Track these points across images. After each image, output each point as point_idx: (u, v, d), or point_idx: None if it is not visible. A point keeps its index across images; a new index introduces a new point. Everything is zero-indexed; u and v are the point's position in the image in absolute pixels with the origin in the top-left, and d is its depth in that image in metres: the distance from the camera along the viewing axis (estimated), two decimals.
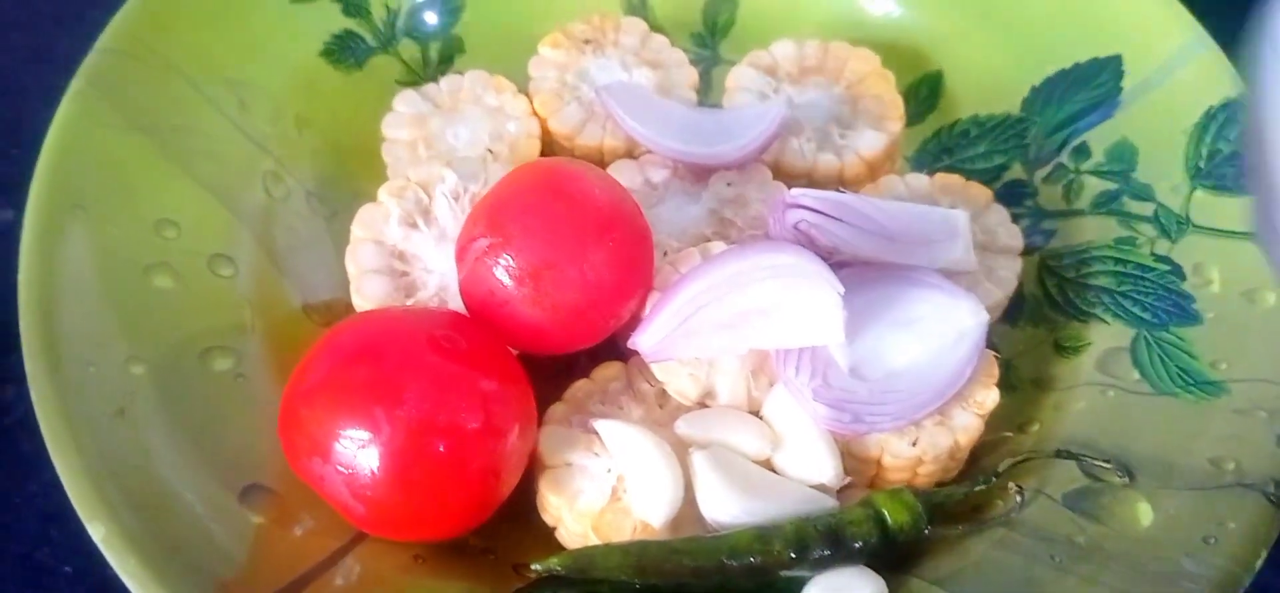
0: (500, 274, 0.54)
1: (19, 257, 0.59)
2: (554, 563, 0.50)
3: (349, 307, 0.61)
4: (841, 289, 0.52)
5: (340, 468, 0.50)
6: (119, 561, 0.49)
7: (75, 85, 0.64)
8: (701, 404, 0.56)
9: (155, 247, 0.61)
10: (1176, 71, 0.67)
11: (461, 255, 0.55)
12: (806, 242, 0.56)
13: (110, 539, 0.49)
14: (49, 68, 0.72)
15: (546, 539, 0.55)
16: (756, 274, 0.53)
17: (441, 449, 0.51)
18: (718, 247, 0.57)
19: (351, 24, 0.73)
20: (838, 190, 0.64)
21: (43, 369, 0.53)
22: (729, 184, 0.63)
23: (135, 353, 0.56)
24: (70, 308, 0.57)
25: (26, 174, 0.62)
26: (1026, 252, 0.64)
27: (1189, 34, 0.67)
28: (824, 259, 0.55)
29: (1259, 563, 0.50)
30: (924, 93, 0.71)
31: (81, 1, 0.80)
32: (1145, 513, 0.53)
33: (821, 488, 0.53)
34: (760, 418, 0.56)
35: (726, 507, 0.52)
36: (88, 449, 0.52)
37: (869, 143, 0.65)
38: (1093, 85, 0.69)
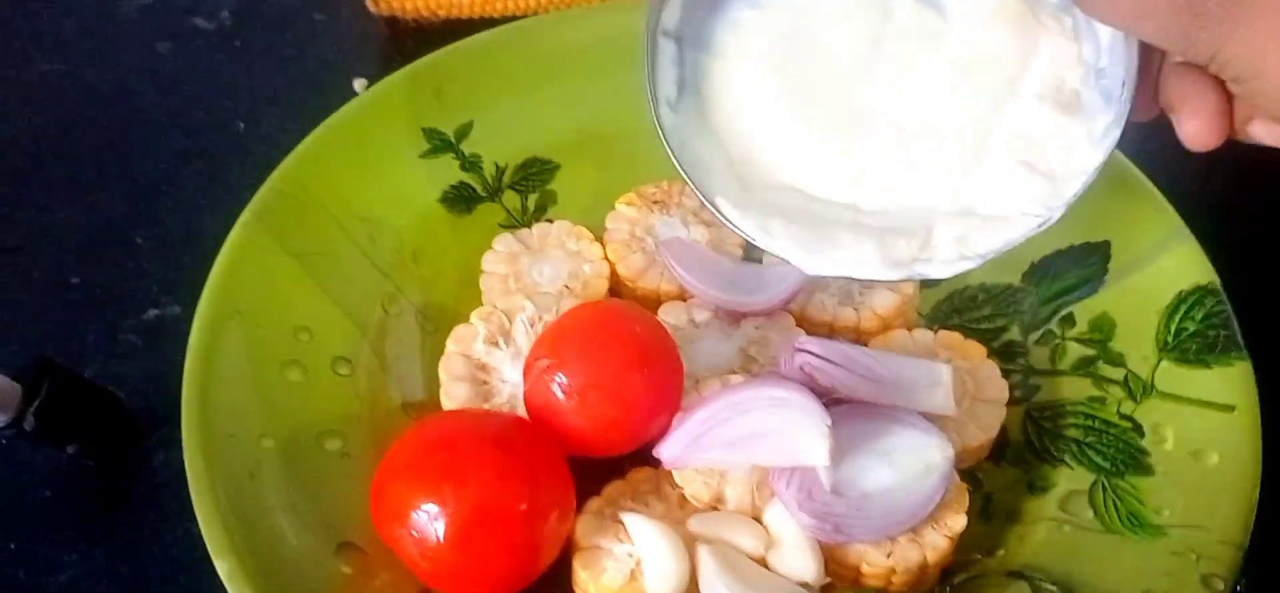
0: (555, 389, 0.64)
1: (185, 347, 0.68)
2: None
3: (439, 408, 0.70)
4: (829, 421, 0.61)
5: (414, 533, 0.59)
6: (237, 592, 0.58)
7: (245, 216, 0.73)
8: (713, 507, 0.64)
9: (292, 347, 0.71)
10: (1157, 258, 0.74)
11: (527, 371, 0.66)
12: (809, 381, 0.65)
13: (233, 575, 0.59)
14: (221, 190, 0.83)
15: None
16: (758, 403, 0.63)
17: (494, 524, 0.59)
18: (738, 380, 0.67)
19: (466, 177, 0.82)
20: (853, 339, 0.73)
21: (195, 434, 0.63)
22: (757, 327, 0.72)
23: (267, 430, 0.66)
24: (221, 389, 0.66)
25: (194, 276, 0.71)
26: (1015, 403, 0.71)
27: (1170, 227, 0.74)
28: (823, 396, 0.63)
29: None
30: None
31: (250, 137, 0.92)
32: None
33: (805, 586, 0.62)
34: (761, 524, 0.64)
35: None
36: (222, 501, 0.61)
37: (883, 301, 0.74)
38: (1084, 265, 0.76)
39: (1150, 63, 0.60)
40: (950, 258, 0.64)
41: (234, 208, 0.76)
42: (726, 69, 0.69)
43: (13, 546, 0.69)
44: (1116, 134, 0.61)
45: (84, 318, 0.81)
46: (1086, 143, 0.63)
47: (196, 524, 0.62)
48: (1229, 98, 0.57)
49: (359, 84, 0.96)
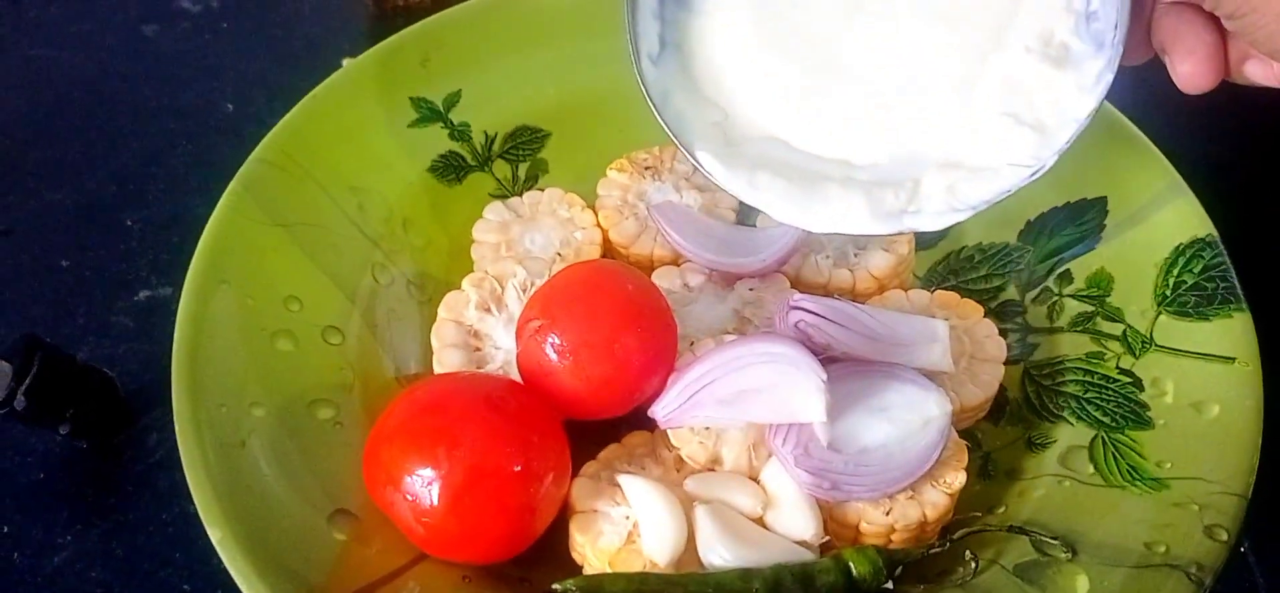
0: (548, 349, 0.63)
1: (175, 321, 0.67)
2: (569, 584, 0.57)
3: None
4: (825, 376, 0.60)
5: (408, 496, 0.58)
6: (230, 559, 0.57)
7: (232, 187, 0.73)
8: (709, 468, 0.64)
9: (282, 317, 0.70)
10: (1153, 213, 0.73)
11: (519, 333, 0.65)
12: (804, 338, 0.64)
13: (225, 541, 0.58)
14: (210, 171, 0.82)
15: (575, 573, 0.61)
16: (752, 359, 0.62)
17: (488, 486, 0.59)
18: (731, 338, 0.66)
19: (455, 147, 0.81)
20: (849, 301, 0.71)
21: (186, 404, 0.62)
22: (751, 289, 0.72)
23: (258, 399, 0.65)
24: (211, 358, 0.65)
25: (185, 257, 0.71)
26: (1013, 362, 0.70)
27: (1167, 181, 0.73)
28: (818, 354, 0.62)
29: None
30: None
31: (239, 117, 0.92)
32: (1083, 585, 0.59)
33: (804, 544, 0.61)
34: (758, 483, 0.63)
35: (720, 552, 0.60)
36: (214, 469, 0.60)
37: (879, 262, 0.73)
38: (1080, 221, 0.75)
39: (1142, 4, 0.59)
40: (940, 210, 0.64)
41: (223, 189, 0.76)
42: (707, 23, 0.69)
43: (6, 528, 0.69)
44: (1109, 79, 0.60)
45: (75, 300, 0.80)
46: (1076, 92, 0.62)
47: (192, 504, 0.61)
48: (1223, 37, 0.56)
49: (347, 64, 0.93)
